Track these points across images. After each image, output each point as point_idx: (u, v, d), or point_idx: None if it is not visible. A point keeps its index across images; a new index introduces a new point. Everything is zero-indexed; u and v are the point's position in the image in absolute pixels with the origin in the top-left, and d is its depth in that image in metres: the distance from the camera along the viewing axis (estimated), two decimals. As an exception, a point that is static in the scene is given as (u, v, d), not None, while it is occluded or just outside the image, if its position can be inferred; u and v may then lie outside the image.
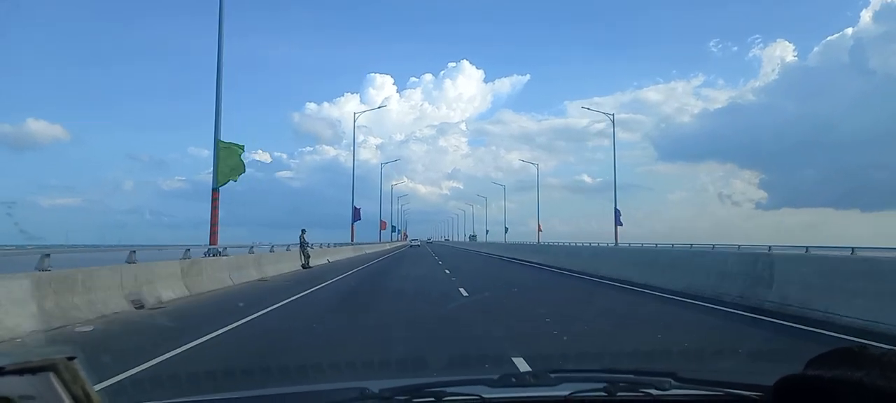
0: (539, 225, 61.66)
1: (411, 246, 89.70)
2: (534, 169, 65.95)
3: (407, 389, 1.57)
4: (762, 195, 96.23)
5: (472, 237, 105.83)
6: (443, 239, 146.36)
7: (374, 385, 1.59)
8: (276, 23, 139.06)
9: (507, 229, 77.00)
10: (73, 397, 0.99)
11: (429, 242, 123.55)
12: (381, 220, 70.25)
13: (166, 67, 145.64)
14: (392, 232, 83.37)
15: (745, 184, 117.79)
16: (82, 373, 1.02)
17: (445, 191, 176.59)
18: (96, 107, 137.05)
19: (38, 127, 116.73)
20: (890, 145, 62.64)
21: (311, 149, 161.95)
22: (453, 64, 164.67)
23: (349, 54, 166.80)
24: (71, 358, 1.02)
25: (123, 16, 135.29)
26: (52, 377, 0.98)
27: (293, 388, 1.92)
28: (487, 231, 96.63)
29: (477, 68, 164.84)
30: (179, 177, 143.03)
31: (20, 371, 0.97)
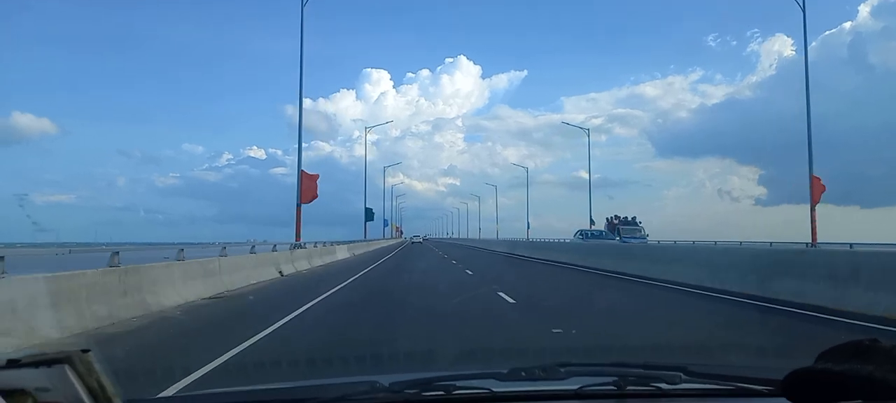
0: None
1: (412, 242, 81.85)
2: (530, 165, 51.12)
3: (417, 382, 1.57)
4: (762, 191, 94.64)
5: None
6: (453, 237, 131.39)
7: (385, 379, 1.59)
8: (269, 15, 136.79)
9: (593, 224, 46.04)
10: (88, 388, 1.01)
11: (426, 239, 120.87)
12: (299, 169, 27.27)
13: (157, 61, 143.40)
14: (365, 217, 54.76)
15: (744, 180, 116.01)
16: (97, 365, 1.04)
17: (441, 188, 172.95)
18: (84, 101, 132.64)
19: (24, 120, 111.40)
20: (890, 140, 61.91)
21: (307, 144, 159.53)
22: (451, 59, 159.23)
23: (345, 49, 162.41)
24: (85, 351, 1.04)
25: (110, 5, 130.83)
26: (67, 369, 1.00)
27: (305, 382, 1.92)
28: (529, 224, 65.35)
29: (474, 64, 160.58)
30: (173, 174, 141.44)
31: (36, 363, 0.99)
